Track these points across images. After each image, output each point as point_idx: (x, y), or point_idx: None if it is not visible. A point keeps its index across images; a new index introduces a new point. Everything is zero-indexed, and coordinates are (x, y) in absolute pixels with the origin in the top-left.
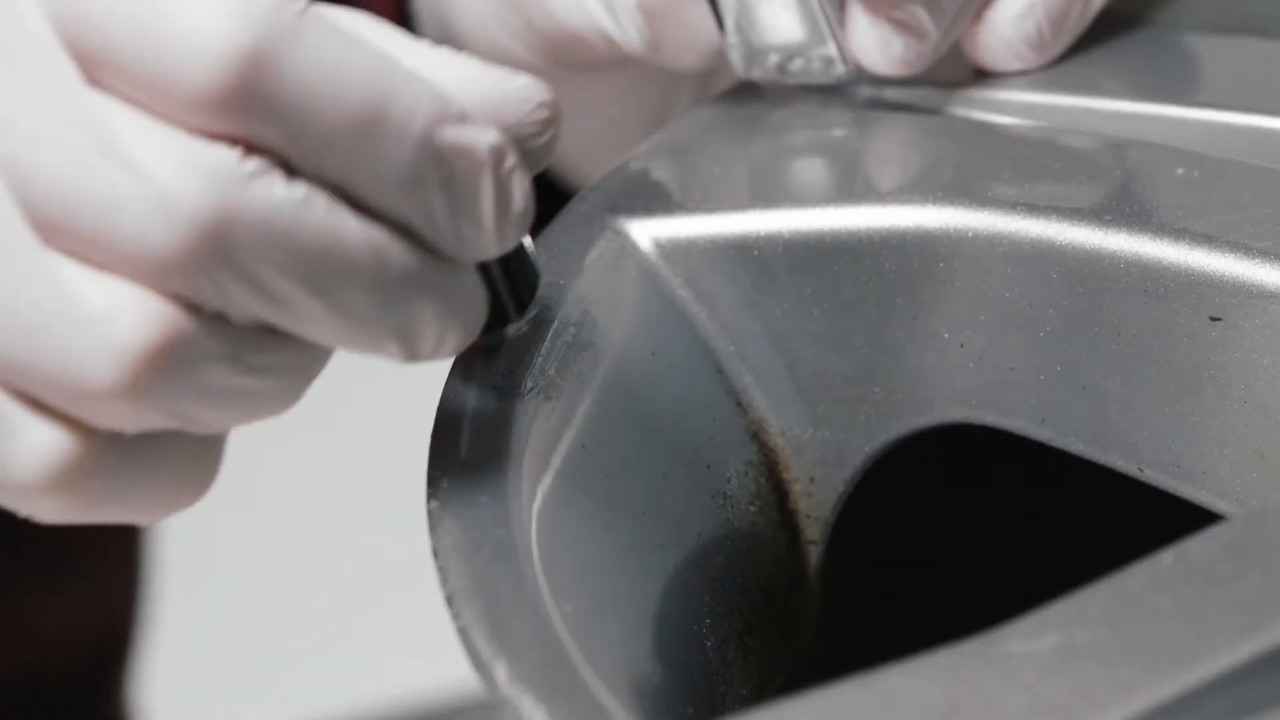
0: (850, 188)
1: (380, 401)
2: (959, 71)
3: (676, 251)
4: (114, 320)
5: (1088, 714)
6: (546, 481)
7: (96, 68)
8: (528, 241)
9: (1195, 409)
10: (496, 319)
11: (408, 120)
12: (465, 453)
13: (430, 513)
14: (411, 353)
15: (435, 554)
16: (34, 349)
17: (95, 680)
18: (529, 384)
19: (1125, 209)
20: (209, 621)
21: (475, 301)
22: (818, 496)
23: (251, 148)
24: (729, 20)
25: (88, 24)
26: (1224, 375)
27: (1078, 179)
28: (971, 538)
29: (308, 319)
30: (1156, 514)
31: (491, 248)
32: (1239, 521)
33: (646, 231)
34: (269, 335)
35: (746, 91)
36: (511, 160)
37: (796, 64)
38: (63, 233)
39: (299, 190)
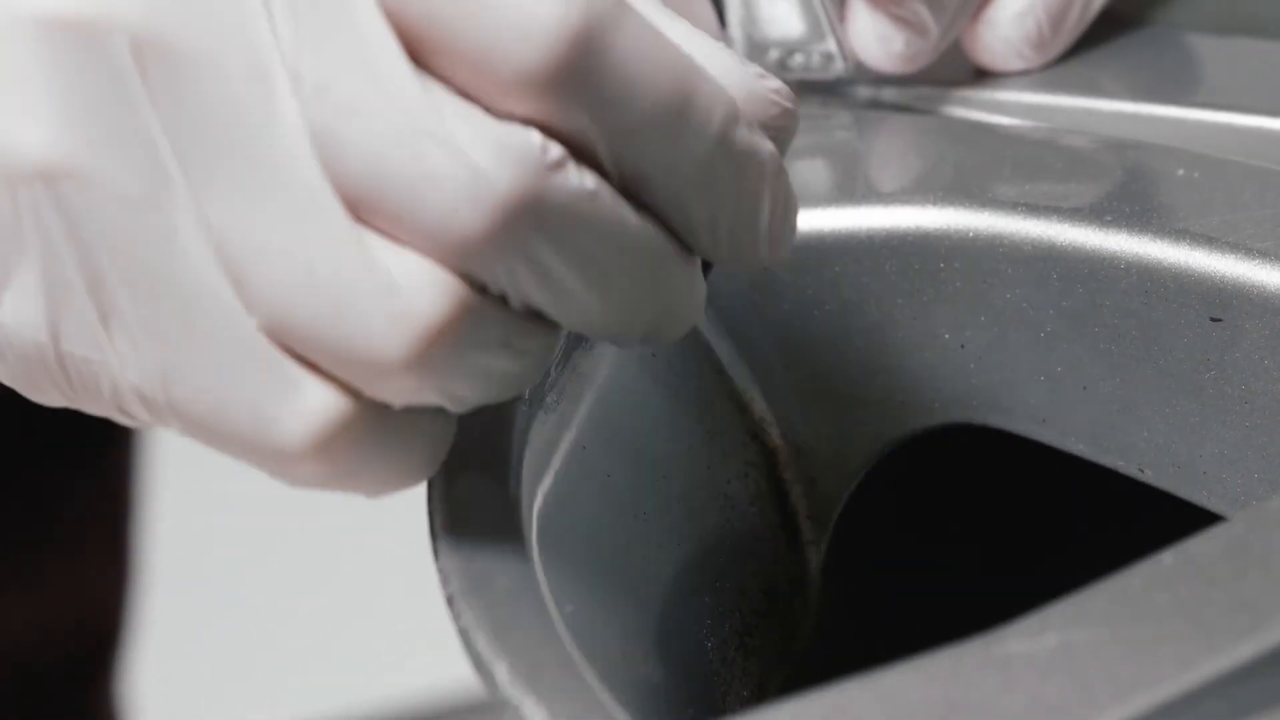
0: (850, 188)
1: None
2: (959, 71)
3: None
4: (414, 292)
5: (1088, 714)
6: (547, 482)
7: (419, 43)
8: None
9: (1196, 410)
10: None
11: (707, 118)
12: (466, 453)
13: (430, 513)
14: (641, 342)
15: (436, 555)
16: (328, 315)
17: (79, 678)
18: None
19: (1126, 209)
20: (202, 619)
21: (699, 300)
22: (818, 497)
23: (550, 134)
24: (731, 14)
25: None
26: (1224, 376)
27: (1078, 179)
28: (972, 538)
29: (576, 307)
30: (1156, 514)
31: (762, 256)
32: (1239, 521)
33: None
34: (535, 319)
35: None
36: (786, 172)
37: (797, 59)
38: (369, 203)
39: (590, 180)
